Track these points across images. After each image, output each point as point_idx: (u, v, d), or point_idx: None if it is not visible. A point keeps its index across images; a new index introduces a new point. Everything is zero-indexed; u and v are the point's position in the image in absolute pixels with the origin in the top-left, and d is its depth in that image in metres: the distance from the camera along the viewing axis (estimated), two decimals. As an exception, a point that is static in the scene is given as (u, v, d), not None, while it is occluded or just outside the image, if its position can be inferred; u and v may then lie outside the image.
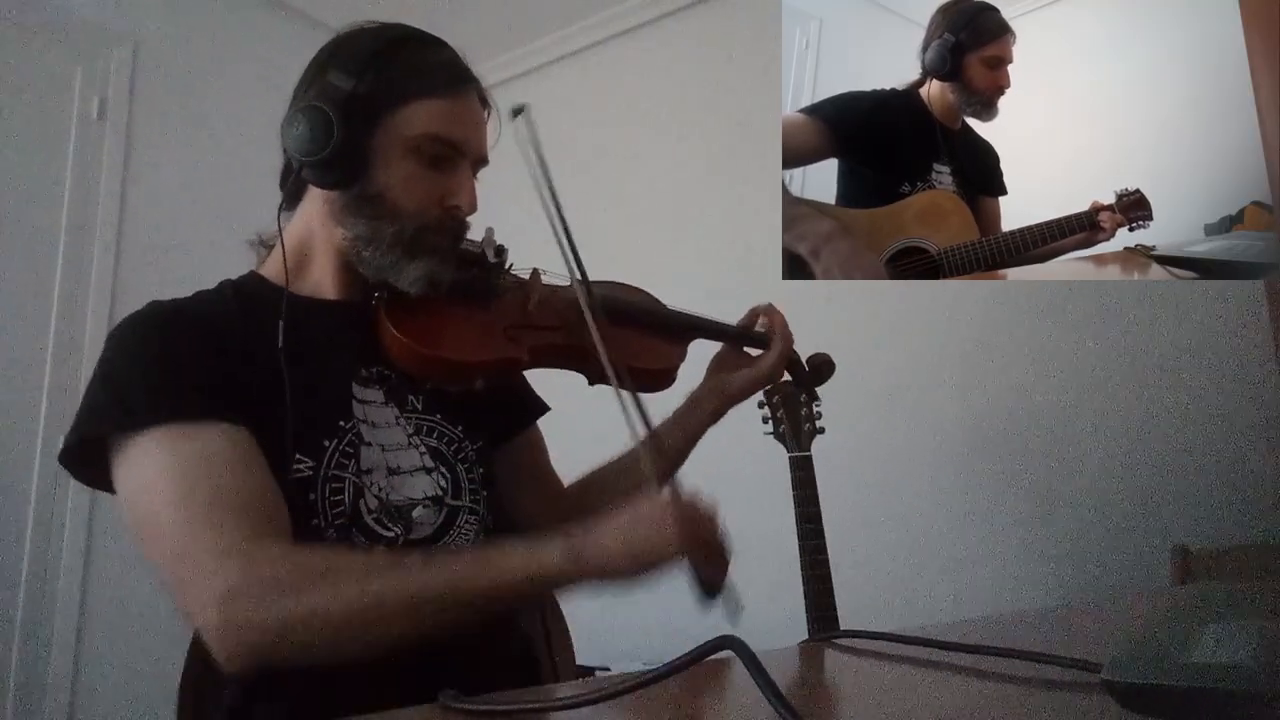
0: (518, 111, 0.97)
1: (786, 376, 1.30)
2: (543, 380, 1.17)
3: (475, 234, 1.03)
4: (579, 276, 0.97)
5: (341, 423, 0.91)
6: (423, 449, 0.96)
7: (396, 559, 0.83)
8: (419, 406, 0.99)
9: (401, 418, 0.97)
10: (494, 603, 0.79)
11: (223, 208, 2.58)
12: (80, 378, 2.30)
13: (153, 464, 0.81)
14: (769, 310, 1.21)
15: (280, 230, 0.99)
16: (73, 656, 2.24)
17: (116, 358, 0.87)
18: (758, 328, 1.22)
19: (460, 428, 1.01)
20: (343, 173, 0.94)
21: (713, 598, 0.82)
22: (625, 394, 0.90)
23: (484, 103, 1.03)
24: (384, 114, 0.94)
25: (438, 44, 1.01)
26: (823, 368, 1.36)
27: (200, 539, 0.77)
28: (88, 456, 0.85)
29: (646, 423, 0.92)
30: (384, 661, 0.76)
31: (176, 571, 0.78)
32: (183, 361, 0.86)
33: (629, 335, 1.12)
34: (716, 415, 1.17)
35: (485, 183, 1.03)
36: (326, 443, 0.89)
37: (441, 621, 0.77)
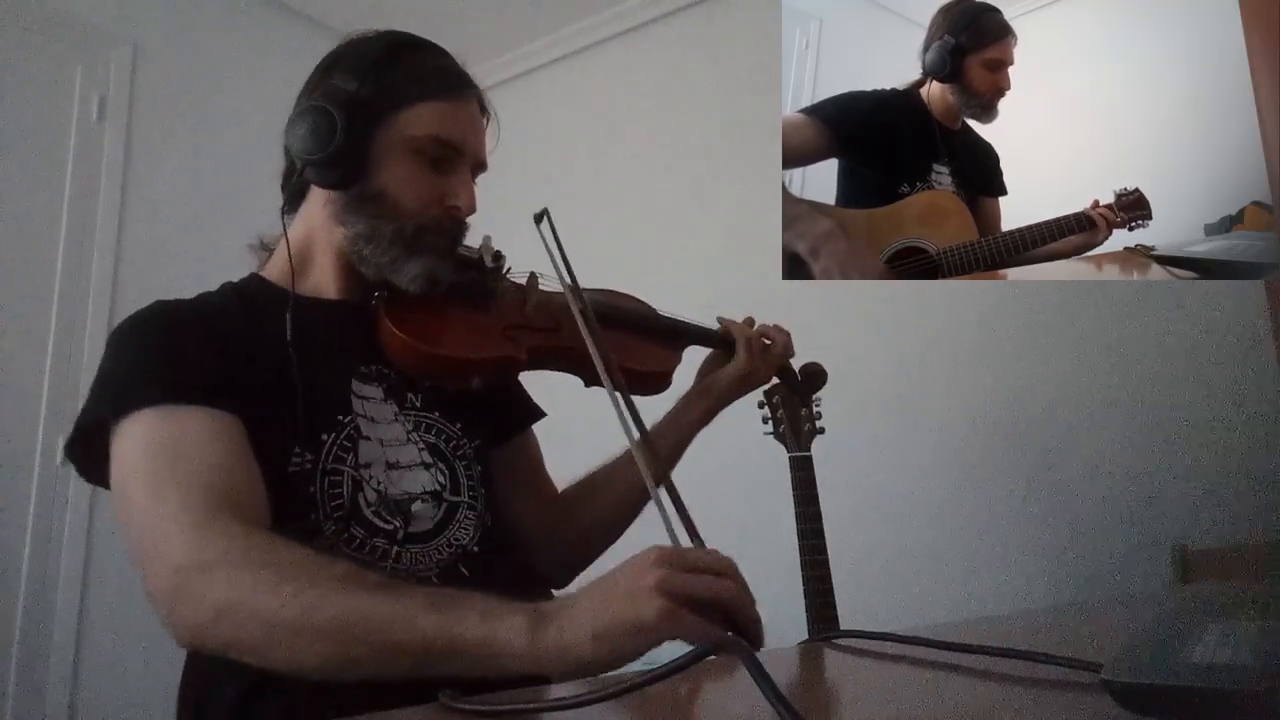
0: (540, 218, 1.01)
1: (778, 381, 1.32)
2: (539, 384, 1.17)
3: (473, 241, 1.04)
4: (569, 283, 0.99)
5: (340, 417, 0.92)
6: (421, 445, 0.97)
7: (353, 572, 0.73)
8: (418, 404, 1.00)
9: (401, 414, 0.98)
10: (430, 657, 0.67)
11: (223, 208, 2.58)
12: (80, 378, 2.30)
13: (135, 443, 0.82)
14: (746, 322, 1.25)
15: (285, 230, 1.00)
16: (72, 658, 2.24)
17: (117, 352, 0.89)
18: (734, 335, 1.25)
19: (458, 425, 1.02)
20: (345, 172, 0.95)
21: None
22: (619, 396, 0.90)
23: (483, 109, 1.05)
24: (387, 115, 0.96)
25: (440, 51, 1.04)
26: (815, 377, 1.38)
27: (164, 513, 0.77)
28: (90, 449, 0.86)
29: (639, 423, 0.92)
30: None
31: (140, 544, 0.78)
32: (180, 353, 0.87)
33: (624, 339, 1.14)
34: (706, 417, 1.19)
35: (483, 188, 1.04)
36: (325, 437, 0.90)
37: (372, 657, 0.68)
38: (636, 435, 0.89)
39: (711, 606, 0.65)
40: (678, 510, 0.79)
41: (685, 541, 0.75)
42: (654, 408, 1.20)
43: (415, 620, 0.67)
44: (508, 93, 2.95)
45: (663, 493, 0.83)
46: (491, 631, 0.66)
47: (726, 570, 0.67)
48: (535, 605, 0.68)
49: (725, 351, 1.24)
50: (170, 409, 0.82)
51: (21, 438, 2.24)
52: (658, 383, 1.16)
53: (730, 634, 0.48)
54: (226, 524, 0.76)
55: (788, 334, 1.27)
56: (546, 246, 1.00)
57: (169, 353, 0.87)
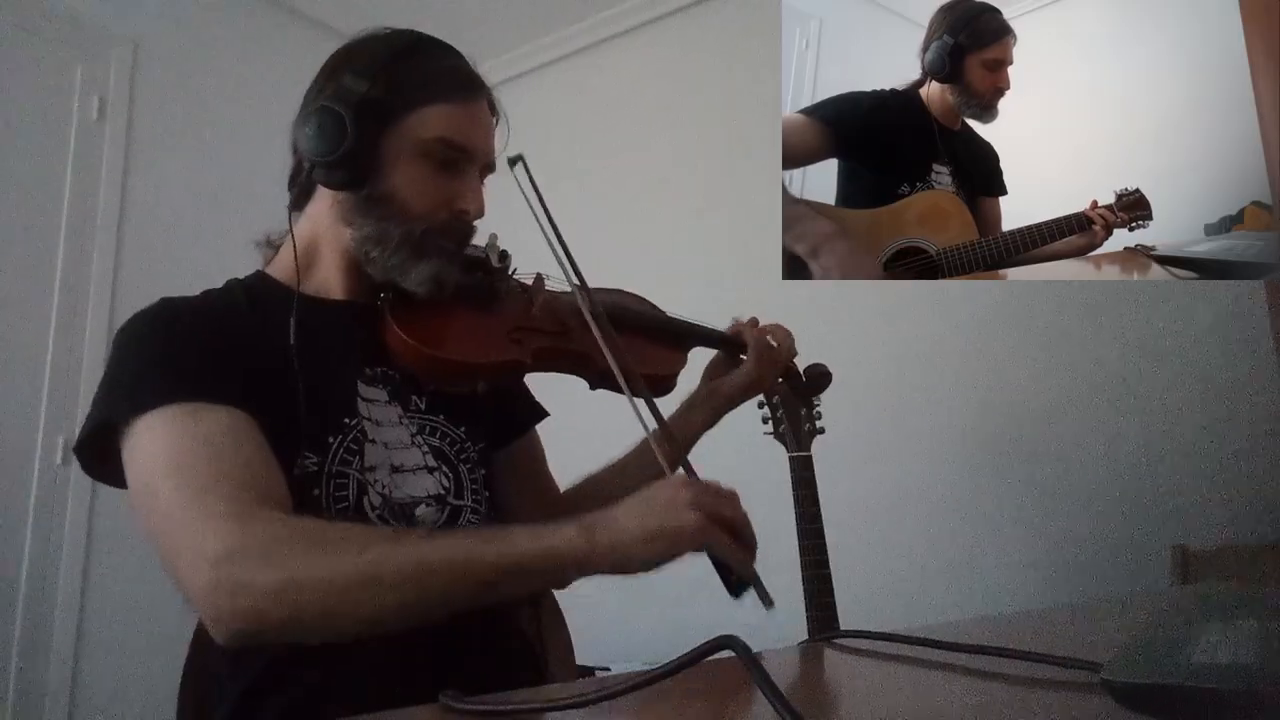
0: (514, 161, 0.99)
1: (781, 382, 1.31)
2: (543, 384, 1.17)
3: (480, 239, 1.04)
4: (579, 283, 0.98)
5: (346, 420, 0.92)
6: (425, 449, 0.97)
7: (400, 531, 0.83)
8: (422, 407, 1.00)
9: (405, 417, 0.97)
10: (501, 579, 0.74)
11: (223, 208, 2.59)
12: (80, 378, 2.30)
13: (155, 440, 0.81)
14: (751, 322, 1.23)
15: (291, 229, 1.00)
16: (72, 657, 2.24)
17: (126, 349, 0.88)
18: (744, 337, 1.24)
19: (463, 429, 1.02)
20: (354, 174, 0.95)
21: (743, 588, 0.77)
22: (640, 401, 0.90)
23: (493, 110, 1.04)
24: (396, 117, 0.96)
25: (450, 51, 1.03)
26: (820, 378, 1.36)
27: (197, 504, 0.76)
28: (100, 449, 0.86)
29: (656, 414, 0.92)
30: (380, 648, 0.75)
31: (172, 538, 0.77)
32: (190, 350, 0.86)
33: (630, 341, 1.13)
34: (710, 421, 1.19)
35: (491, 187, 1.04)
36: (331, 439, 0.90)
37: (442, 596, 0.73)
38: (660, 436, 0.89)
39: (728, 526, 0.76)
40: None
41: None
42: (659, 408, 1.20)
43: (478, 552, 0.74)
44: (507, 92, 2.95)
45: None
46: (551, 545, 0.74)
47: (736, 498, 0.79)
48: (576, 518, 0.76)
49: (731, 353, 1.24)
50: (193, 406, 0.82)
51: (21, 438, 2.24)
52: (663, 385, 1.16)
53: (730, 634, 0.48)
54: (269, 512, 0.77)
55: (789, 334, 1.26)
56: (523, 192, 0.97)
57: (183, 349, 0.87)
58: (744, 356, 1.25)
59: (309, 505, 0.86)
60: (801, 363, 1.34)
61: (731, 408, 1.20)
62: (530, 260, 1.08)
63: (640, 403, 0.90)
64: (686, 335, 1.22)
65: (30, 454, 2.25)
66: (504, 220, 1.05)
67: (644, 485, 0.97)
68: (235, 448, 0.81)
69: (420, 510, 0.92)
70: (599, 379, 1.06)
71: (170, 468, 0.79)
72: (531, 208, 0.98)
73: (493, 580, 0.74)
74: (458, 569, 0.73)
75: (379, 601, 0.73)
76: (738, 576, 0.77)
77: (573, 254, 1.00)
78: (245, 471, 0.80)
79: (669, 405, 1.19)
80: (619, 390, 1.07)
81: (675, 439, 1.09)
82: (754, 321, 1.25)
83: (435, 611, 0.74)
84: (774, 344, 1.22)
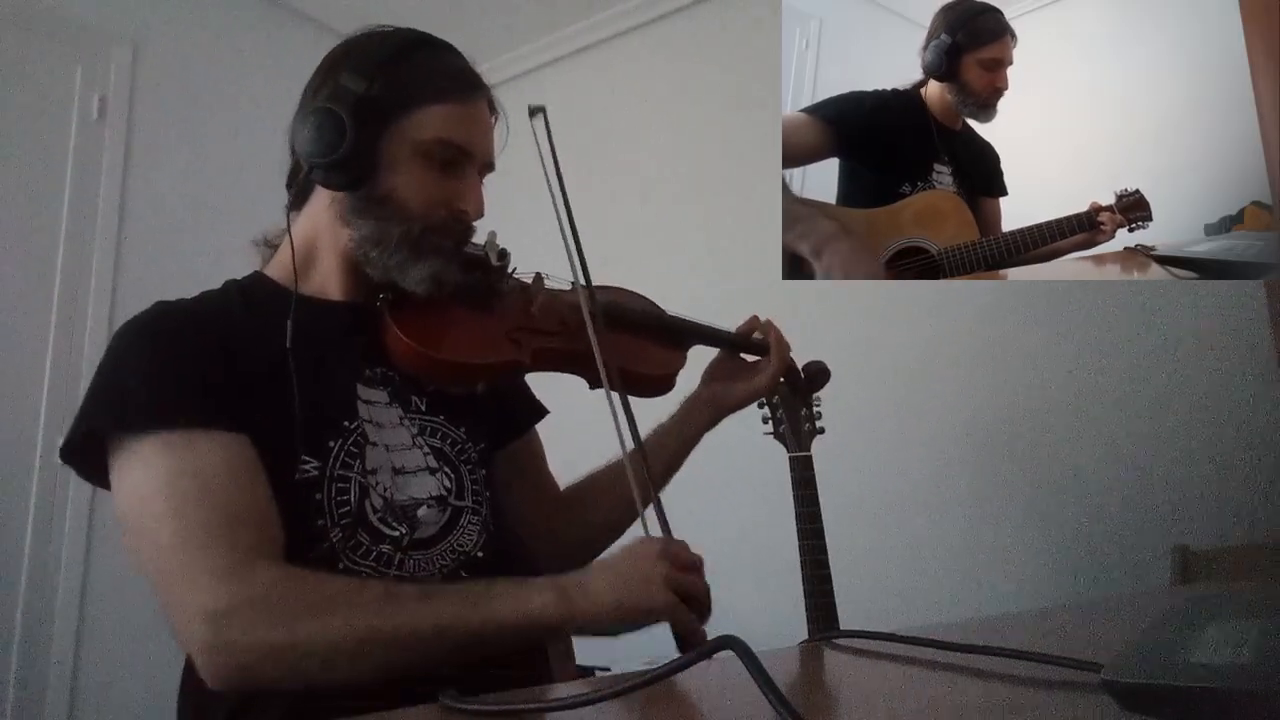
0: (535, 111, 0.98)
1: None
2: (544, 384, 1.17)
3: (479, 237, 1.03)
4: (582, 281, 0.98)
5: (346, 423, 0.91)
6: (426, 450, 0.97)
7: (390, 590, 0.80)
8: (422, 408, 0.99)
9: (405, 418, 0.97)
10: (482, 643, 0.78)
11: (223, 208, 2.59)
12: (80, 378, 2.30)
13: (148, 474, 0.81)
14: (768, 325, 1.23)
15: (289, 230, 1.00)
16: (72, 657, 2.24)
17: (120, 358, 0.88)
18: (755, 336, 1.23)
19: (463, 429, 1.01)
20: (353, 174, 0.94)
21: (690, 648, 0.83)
22: (617, 405, 0.90)
23: (493, 109, 1.04)
24: (395, 117, 0.95)
25: (449, 50, 1.02)
26: (818, 375, 1.37)
27: (192, 557, 0.77)
28: (88, 452, 0.86)
29: (635, 433, 0.92)
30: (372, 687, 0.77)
31: (168, 589, 0.78)
32: (185, 365, 0.86)
33: (630, 340, 1.13)
34: (710, 424, 1.19)
35: (490, 186, 1.03)
36: (332, 443, 0.89)
37: (428, 657, 0.77)
38: (633, 447, 0.89)
39: (694, 603, 0.82)
40: (662, 527, 0.90)
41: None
42: (657, 407, 1.20)
43: (463, 618, 0.78)
44: (507, 92, 2.95)
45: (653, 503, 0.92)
46: (530, 611, 0.78)
47: (700, 567, 0.85)
48: (553, 581, 0.81)
49: (735, 354, 1.24)
50: (183, 435, 0.82)
51: (21, 438, 2.24)
52: (663, 385, 1.15)
53: (730, 634, 0.48)
54: (261, 569, 0.78)
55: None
56: (538, 145, 0.96)
57: (172, 364, 0.86)
58: (747, 357, 1.25)
59: (310, 510, 0.85)
60: (799, 360, 1.34)
61: (733, 412, 1.20)
62: (529, 261, 1.08)
63: (620, 410, 0.90)
64: (689, 334, 1.21)
65: (30, 454, 2.25)
66: (503, 221, 1.05)
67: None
68: (230, 484, 0.81)
69: (422, 512, 0.92)
70: (598, 379, 1.05)
71: (165, 511, 0.79)
72: (544, 164, 0.97)
73: (475, 644, 0.78)
74: (445, 634, 0.77)
75: (371, 663, 0.76)
76: (686, 641, 0.83)
77: (579, 235, 0.99)
78: (240, 514, 0.80)
79: (668, 405, 1.19)
80: (615, 390, 1.07)
81: (670, 445, 1.13)
82: (769, 323, 1.25)
83: (418, 669, 0.76)
84: (787, 343, 1.22)
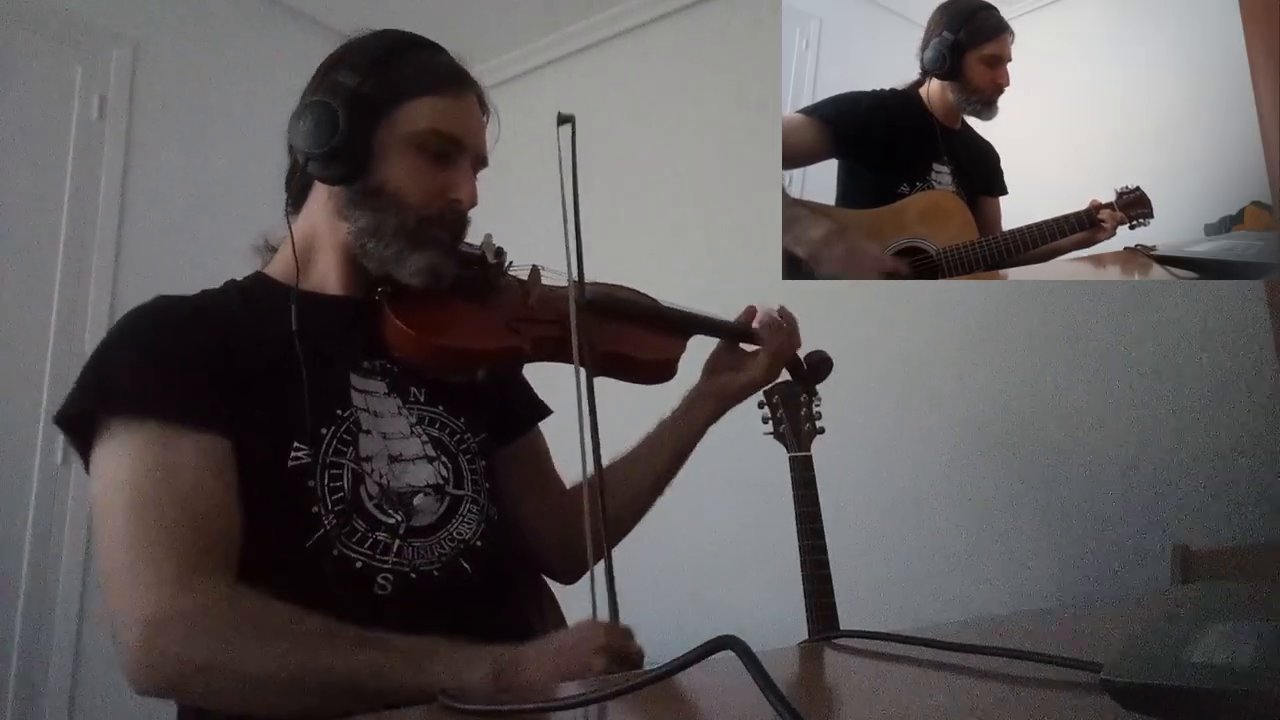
0: (565, 120, 0.98)
1: (785, 375, 1.31)
2: (545, 384, 1.17)
3: (475, 238, 1.04)
4: (574, 276, 0.97)
5: (339, 411, 0.92)
6: (424, 438, 0.98)
7: (330, 630, 0.77)
8: (421, 398, 1.01)
9: (404, 408, 0.98)
10: (411, 700, 0.73)
11: (223, 208, 2.59)
12: (80, 378, 2.30)
13: (120, 462, 0.82)
14: (767, 310, 1.24)
15: (289, 226, 1.01)
16: (72, 657, 2.24)
17: (117, 344, 0.89)
18: (755, 324, 1.24)
19: (462, 420, 1.03)
20: (347, 167, 0.96)
21: None
22: (584, 415, 0.88)
23: (483, 106, 1.06)
24: (388, 110, 0.97)
25: (439, 48, 1.05)
26: (821, 366, 1.36)
27: (140, 557, 0.77)
28: (78, 430, 0.86)
29: (593, 423, 0.87)
30: None
31: (113, 581, 0.78)
32: (179, 359, 0.87)
33: (629, 328, 1.14)
34: (714, 416, 1.19)
35: (491, 187, 1.04)
36: (324, 430, 0.90)
37: (356, 707, 0.73)
38: (593, 482, 0.87)
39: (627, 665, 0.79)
40: (608, 585, 0.84)
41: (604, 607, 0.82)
42: (661, 403, 1.20)
43: (398, 677, 0.75)
44: (508, 92, 2.95)
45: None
46: (462, 684, 0.74)
47: (641, 661, 0.81)
48: (493, 653, 0.77)
49: (734, 343, 1.24)
50: (161, 428, 0.82)
51: (21, 438, 2.24)
52: (664, 370, 1.16)
53: (730, 634, 0.48)
54: (207, 584, 0.78)
55: (794, 318, 1.26)
56: (559, 152, 0.95)
57: (166, 357, 0.87)
58: (745, 346, 1.25)
59: (304, 497, 0.86)
60: (800, 354, 1.34)
61: (736, 403, 1.21)
62: (527, 260, 1.09)
63: (585, 393, 0.88)
64: (687, 323, 1.22)
65: (30, 454, 2.25)
66: (504, 221, 1.06)
67: (651, 485, 0.97)
68: (195, 489, 0.81)
69: (418, 500, 0.93)
70: (599, 367, 1.06)
71: (125, 504, 0.80)
72: (561, 170, 0.96)
73: (404, 700, 0.74)
74: (382, 689, 0.75)
75: (295, 704, 0.75)
76: None
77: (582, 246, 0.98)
78: (200, 522, 0.80)
79: (671, 396, 1.19)
80: (619, 377, 1.07)
81: (674, 439, 1.14)
82: (751, 310, 1.25)
83: (339, 713, 0.73)
84: (785, 326, 1.22)
